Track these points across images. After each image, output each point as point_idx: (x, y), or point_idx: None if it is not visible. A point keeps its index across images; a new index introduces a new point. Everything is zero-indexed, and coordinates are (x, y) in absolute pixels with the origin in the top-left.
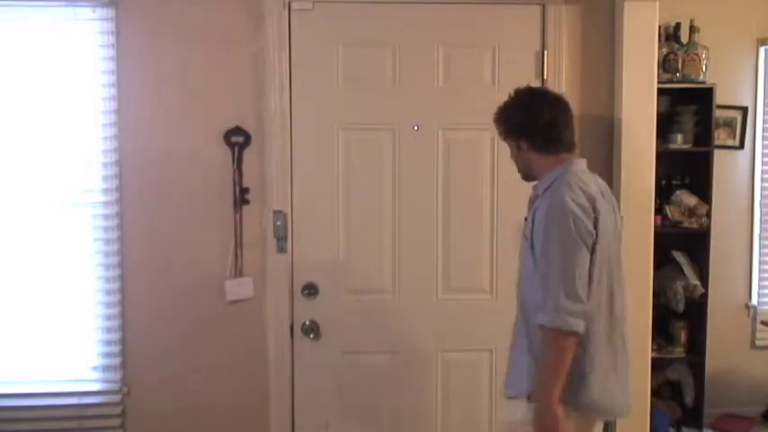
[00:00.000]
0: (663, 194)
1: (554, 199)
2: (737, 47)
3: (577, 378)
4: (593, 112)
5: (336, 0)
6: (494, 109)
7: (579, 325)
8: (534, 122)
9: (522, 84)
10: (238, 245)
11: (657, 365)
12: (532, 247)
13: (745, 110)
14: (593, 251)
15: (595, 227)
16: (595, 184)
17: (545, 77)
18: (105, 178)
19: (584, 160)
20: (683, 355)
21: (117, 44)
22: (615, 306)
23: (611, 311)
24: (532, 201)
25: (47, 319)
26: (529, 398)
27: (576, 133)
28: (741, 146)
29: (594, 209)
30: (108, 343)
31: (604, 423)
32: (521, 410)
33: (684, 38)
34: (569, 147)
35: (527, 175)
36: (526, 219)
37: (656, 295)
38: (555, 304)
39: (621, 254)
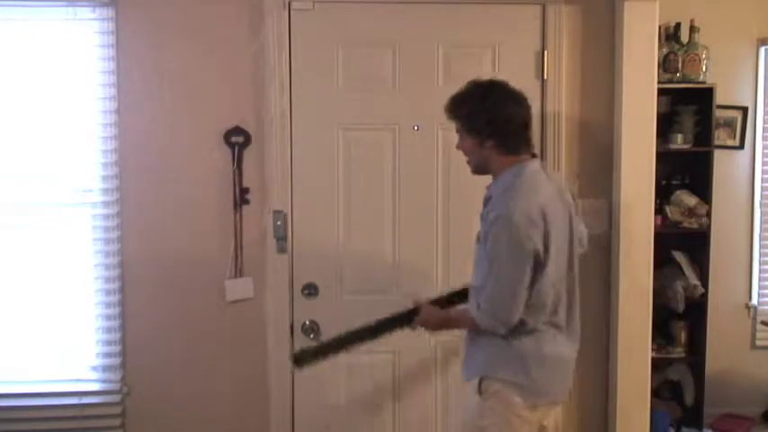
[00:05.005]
0: (663, 194)
1: (504, 209)
2: (737, 47)
3: (524, 365)
4: (593, 112)
5: (336, 0)
6: None
7: (503, 331)
8: (507, 123)
9: (523, 82)
10: (238, 245)
11: (657, 365)
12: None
13: (745, 110)
14: (544, 264)
15: (546, 239)
16: (551, 185)
17: (545, 77)
18: (105, 178)
19: (538, 160)
20: (683, 355)
21: (117, 44)
22: (560, 312)
23: (554, 314)
24: (487, 200)
25: (47, 318)
26: (480, 382)
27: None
28: (741, 146)
29: (545, 220)
30: (108, 343)
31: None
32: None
33: (684, 38)
34: (531, 147)
35: (480, 170)
36: (482, 215)
37: (656, 295)
38: (492, 312)
39: (576, 261)
